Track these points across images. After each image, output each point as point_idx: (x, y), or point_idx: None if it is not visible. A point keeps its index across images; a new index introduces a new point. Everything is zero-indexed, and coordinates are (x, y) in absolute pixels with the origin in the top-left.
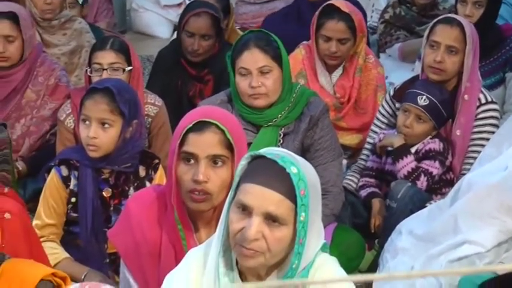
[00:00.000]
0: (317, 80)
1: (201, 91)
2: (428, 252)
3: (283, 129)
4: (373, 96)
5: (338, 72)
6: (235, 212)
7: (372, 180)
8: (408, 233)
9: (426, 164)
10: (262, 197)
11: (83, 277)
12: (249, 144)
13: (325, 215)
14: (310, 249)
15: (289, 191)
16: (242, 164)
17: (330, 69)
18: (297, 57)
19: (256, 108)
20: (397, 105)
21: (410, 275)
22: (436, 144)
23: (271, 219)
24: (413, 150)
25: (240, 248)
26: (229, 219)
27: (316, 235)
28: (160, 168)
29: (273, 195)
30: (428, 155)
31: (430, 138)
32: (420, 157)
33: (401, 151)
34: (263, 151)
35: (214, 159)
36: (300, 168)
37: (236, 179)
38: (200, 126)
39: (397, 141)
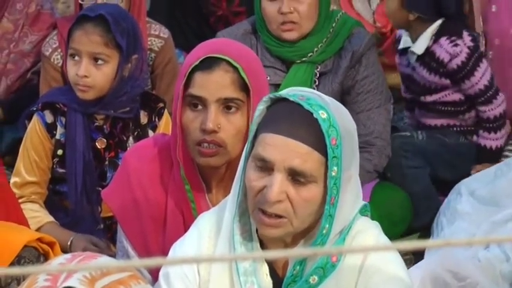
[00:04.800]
0: (352, 6)
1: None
2: (492, 218)
3: (319, 67)
4: None
5: None
6: (253, 168)
7: None
8: (470, 193)
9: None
10: (285, 149)
11: (69, 243)
12: (277, 85)
13: (367, 170)
14: (344, 211)
15: (318, 140)
16: (260, 109)
17: None
18: None
19: (286, 41)
20: None
21: (471, 242)
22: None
23: (296, 175)
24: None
25: (259, 214)
26: (246, 176)
27: (352, 194)
28: (166, 114)
29: (298, 147)
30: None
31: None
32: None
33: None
34: (284, 92)
35: (226, 104)
36: (331, 112)
37: (253, 127)
38: (209, 63)
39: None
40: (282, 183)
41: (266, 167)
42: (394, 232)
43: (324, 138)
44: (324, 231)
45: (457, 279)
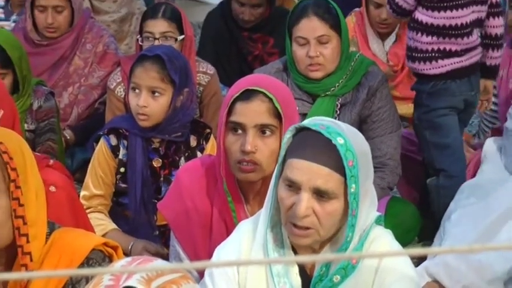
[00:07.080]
0: (369, 48)
1: (263, 55)
2: (487, 220)
3: (340, 99)
4: None
5: (391, 39)
6: (284, 188)
7: None
8: (471, 193)
9: None
10: (310, 172)
11: (129, 247)
12: (305, 115)
13: (382, 188)
14: (362, 219)
15: (337, 163)
16: (287, 137)
17: (383, 37)
18: (349, 25)
19: (312, 79)
20: None
21: (473, 249)
22: None
23: (320, 193)
24: None
25: (291, 226)
26: (278, 195)
27: (369, 204)
28: (212, 138)
29: (321, 170)
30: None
31: None
32: None
33: None
34: (307, 122)
35: (262, 129)
36: (347, 137)
37: (282, 153)
38: (247, 94)
39: None
40: (308, 201)
41: (294, 186)
42: (406, 239)
43: (342, 161)
44: (348, 239)
45: (453, 281)
